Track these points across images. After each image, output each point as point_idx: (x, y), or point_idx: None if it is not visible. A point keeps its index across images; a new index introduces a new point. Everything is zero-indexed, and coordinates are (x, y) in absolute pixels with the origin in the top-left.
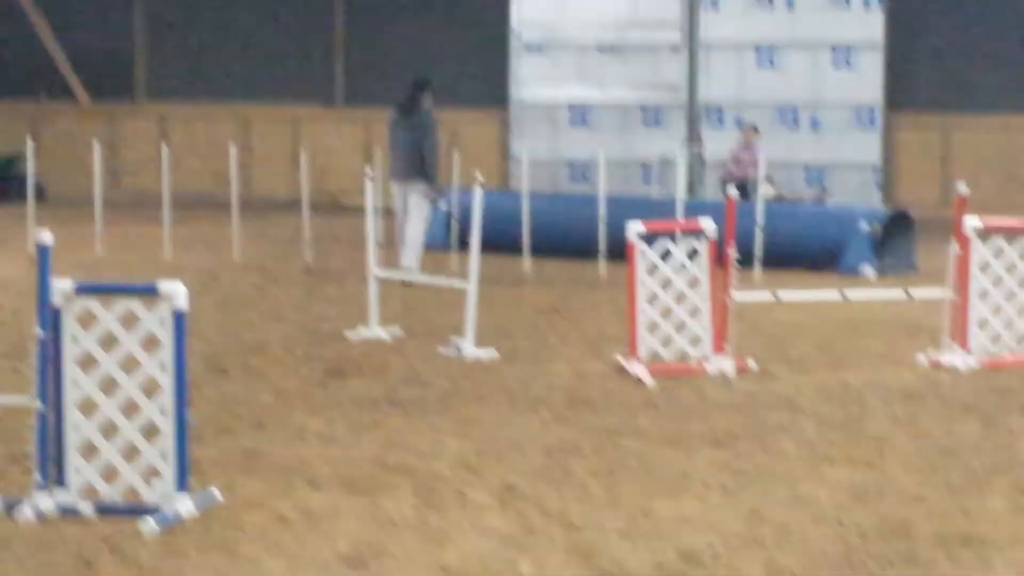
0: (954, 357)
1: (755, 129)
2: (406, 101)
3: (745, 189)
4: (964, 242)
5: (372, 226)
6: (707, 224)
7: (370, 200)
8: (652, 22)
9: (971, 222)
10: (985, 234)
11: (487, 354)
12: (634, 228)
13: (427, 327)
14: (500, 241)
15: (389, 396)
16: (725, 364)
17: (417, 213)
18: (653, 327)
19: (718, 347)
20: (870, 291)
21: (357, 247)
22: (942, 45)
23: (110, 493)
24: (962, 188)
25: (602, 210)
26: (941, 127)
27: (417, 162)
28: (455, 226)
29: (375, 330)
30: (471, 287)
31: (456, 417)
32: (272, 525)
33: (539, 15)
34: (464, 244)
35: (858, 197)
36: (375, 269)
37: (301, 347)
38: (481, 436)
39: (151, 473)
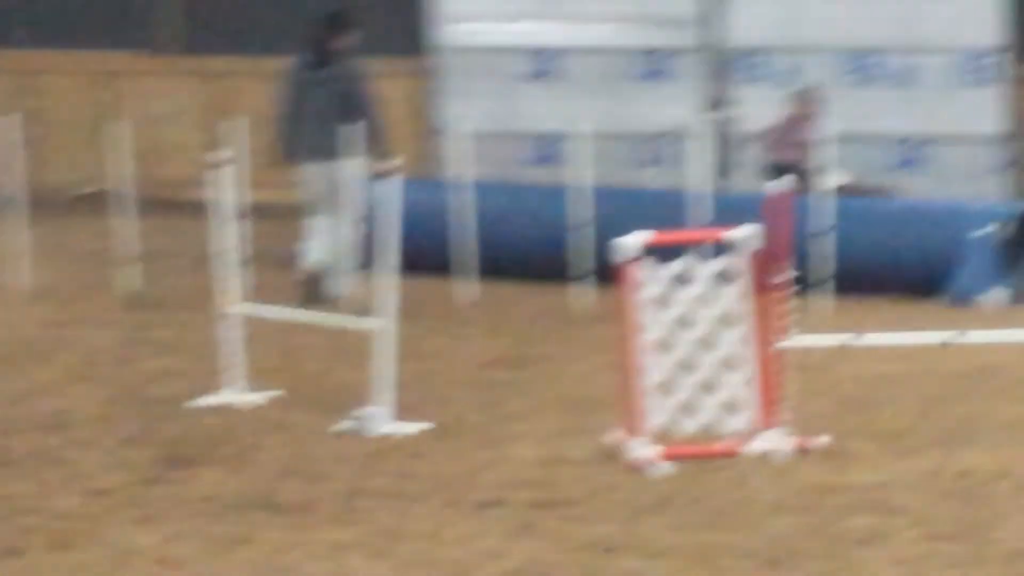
0: None
1: (810, 94)
2: (317, 46)
3: (799, 175)
4: None
5: (227, 233)
6: (746, 231)
7: (221, 194)
8: None
9: None
10: None
11: (413, 430)
12: (632, 238)
13: (319, 389)
14: (429, 257)
15: (264, 497)
16: (778, 442)
17: (352, 207)
18: (666, 387)
19: (768, 417)
20: (997, 329)
21: (205, 266)
22: None
23: None
24: None
25: (583, 209)
26: None
27: (350, 130)
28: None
29: (238, 395)
30: (386, 328)
31: (368, 528)
32: None
33: None
34: (372, 262)
35: (973, 187)
36: (234, 302)
37: (125, 422)
38: (408, 556)
39: None
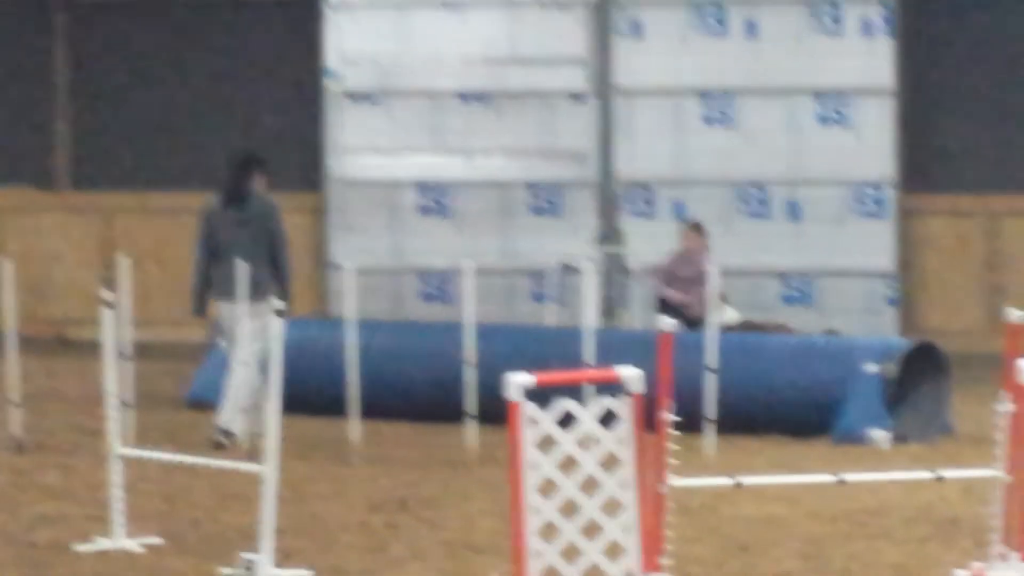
0: (1008, 571)
1: (698, 229)
2: (232, 185)
3: (688, 313)
4: (1020, 394)
5: (113, 375)
6: (631, 373)
7: (110, 333)
8: (544, 58)
9: None
10: None
11: None
12: (517, 380)
13: (202, 534)
14: (317, 396)
15: None
16: None
17: (253, 347)
18: (549, 531)
19: (650, 561)
20: (881, 470)
21: (93, 407)
22: (983, 91)
23: None
24: (1014, 314)
25: (469, 347)
26: (985, 213)
27: (267, 271)
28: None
29: (120, 540)
30: (268, 471)
31: None
32: None
33: (369, 46)
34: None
35: (861, 321)
36: (118, 445)
37: (9, 567)
38: None
39: None
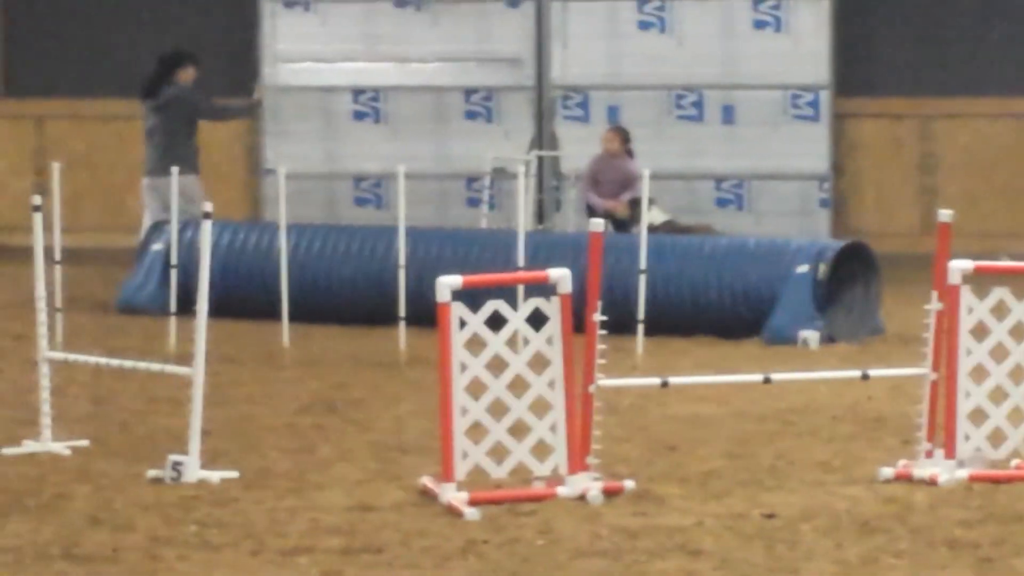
0: (934, 468)
1: (620, 132)
2: (148, 79)
3: (618, 220)
4: (949, 295)
5: (41, 280)
6: (560, 274)
7: (39, 238)
8: None
9: (959, 264)
10: (980, 281)
11: (221, 477)
12: (447, 281)
13: (130, 436)
14: (249, 300)
15: (67, 547)
16: (588, 485)
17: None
18: (477, 432)
19: (578, 461)
20: (810, 370)
21: (23, 312)
22: None
23: None
24: (945, 214)
25: (402, 251)
26: (919, 116)
27: (184, 150)
28: (176, 279)
29: (47, 443)
30: (196, 373)
31: None
32: None
33: None
34: (189, 306)
35: (794, 224)
36: (46, 349)
37: None
38: None
39: None
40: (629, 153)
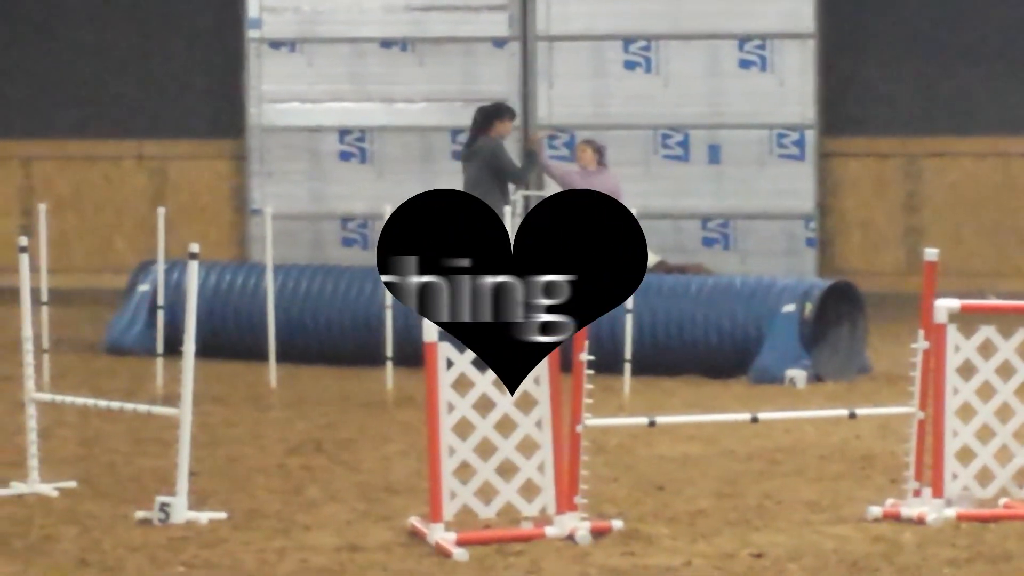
0: (922, 507)
1: (591, 144)
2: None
3: None
4: (936, 333)
5: (28, 321)
6: None
7: (26, 279)
8: (465, 3)
9: (945, 303)
10: (967, 320)
11: (209, 518)
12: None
13: (117, 477)
14: (236, 341)
15: None
16: (576, 525)
17: None
18: (465, 472)
19: (566, 501)
20: (798, 409)
21: (10, 353)
22: (904, 35)
23: None
24: (931, 253)
25: (388, 292)
26: (904, 156)
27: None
28: (163, 320)
29: (35, 485)
30: (183, 414)
31: None
32: None
33: None
34: (176, 347)
35: (780, 263)
36: (33, 390)
37: None
38: None
39: None
40: (604, 166)
